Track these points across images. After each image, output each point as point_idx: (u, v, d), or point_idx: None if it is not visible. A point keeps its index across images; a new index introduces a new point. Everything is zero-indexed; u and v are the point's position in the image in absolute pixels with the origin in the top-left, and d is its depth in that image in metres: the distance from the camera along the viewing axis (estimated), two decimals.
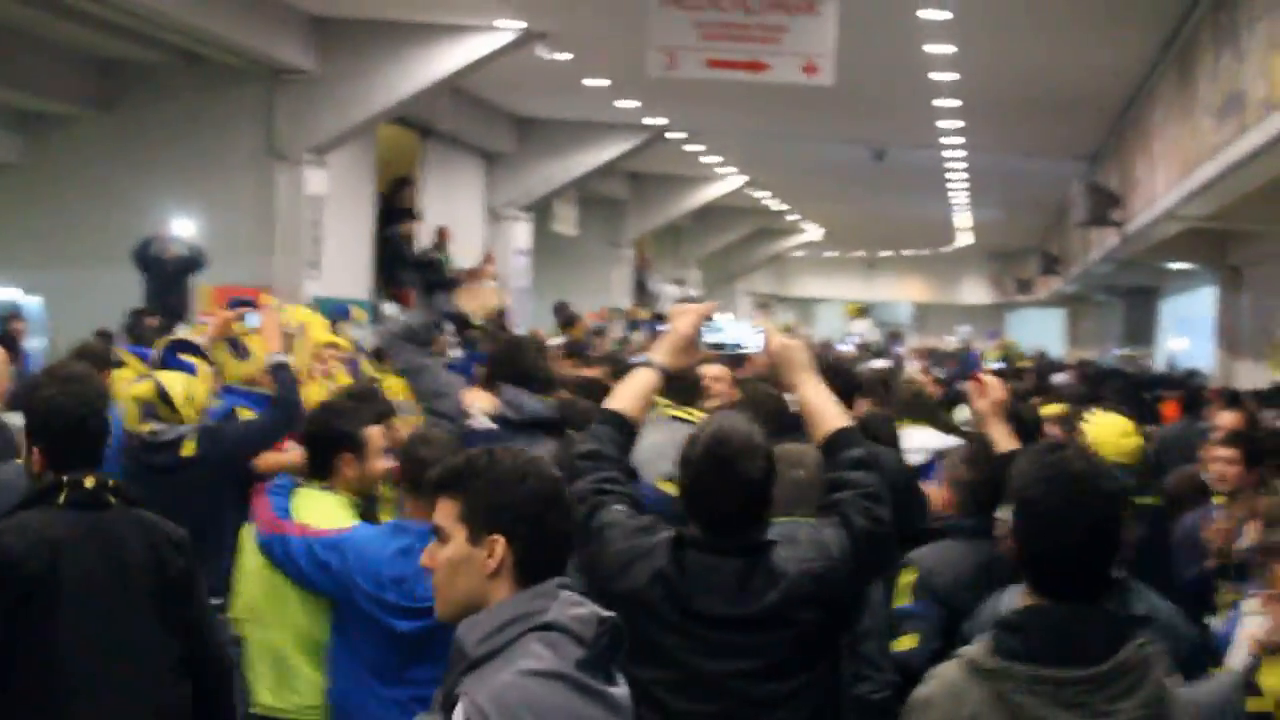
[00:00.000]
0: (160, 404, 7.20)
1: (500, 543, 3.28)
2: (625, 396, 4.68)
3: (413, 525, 5.54)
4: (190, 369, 7.45)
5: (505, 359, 7.39)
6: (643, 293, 32.28)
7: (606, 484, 4.45)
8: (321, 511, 5.79)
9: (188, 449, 7.04)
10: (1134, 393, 15.39)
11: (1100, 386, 15.43)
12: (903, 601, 5.96)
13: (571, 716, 3.12)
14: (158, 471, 7.01)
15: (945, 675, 3.48)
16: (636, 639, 4.10)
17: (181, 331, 9.59)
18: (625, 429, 4.61)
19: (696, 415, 6.76)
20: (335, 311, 9.65)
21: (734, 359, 4.94)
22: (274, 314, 7.71)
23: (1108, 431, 7.89)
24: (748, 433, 4.33)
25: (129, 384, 7.55)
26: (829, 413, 4.54)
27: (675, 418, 6.72)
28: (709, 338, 4.67)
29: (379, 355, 9.67)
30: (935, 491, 6.76)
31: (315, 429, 6.07)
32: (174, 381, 7.29)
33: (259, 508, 5.82)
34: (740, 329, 4.66)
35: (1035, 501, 3.54)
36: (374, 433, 6.03)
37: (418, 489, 5.59)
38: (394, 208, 21.03)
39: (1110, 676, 3.37)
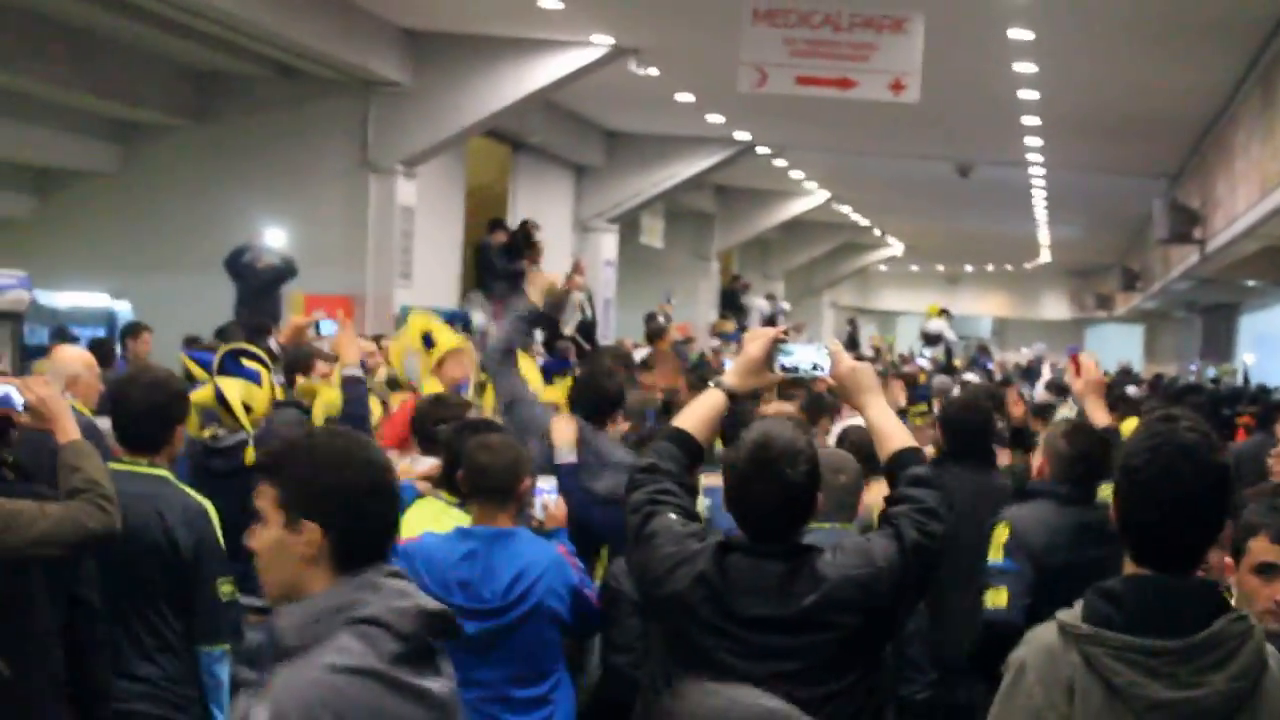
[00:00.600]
0: (220, 409, 7.16)
1: (315, 530, 3.11)
2: (692, 416, 4.63)
3: (478, 530, 5.60)
4: (254, 376, 7.33)
5: (585, 390, 7.39)
6: (735, 308, 32.07)
7: (661, 494, 4.42)
8: (436, 525, 5.84)
9: (249, 457, 6.91)
10: (1213, 408, 15.16)
11: (1178, 401, 15.13)
12: (995, 558, 6.10)
13: (377, 714, 2.95)
14: (219, 476, 6.91)
15: (1042, 638, 3.41)
16: (680, 642, 4.24)
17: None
18: (689, 447, 4.55)
19: None
20: (450, 320, 9.64)
21: (803, 381, 4.85)
22: (350, 327, 7.70)
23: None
24: (792, 437, 4.31)
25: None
26: (894, 433, 4.51)
27: None
28: (780, 360, 4.62)
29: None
30: (1033, 460, 6.97)
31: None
32: (232, 388, 7.21)
33: None
34: (810, 352, 4.63)
35: (1138, 469, 3.45)
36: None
37: (480, 494, 5.64)
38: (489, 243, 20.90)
39: (1201, 649, 3.29)
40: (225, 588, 5.82)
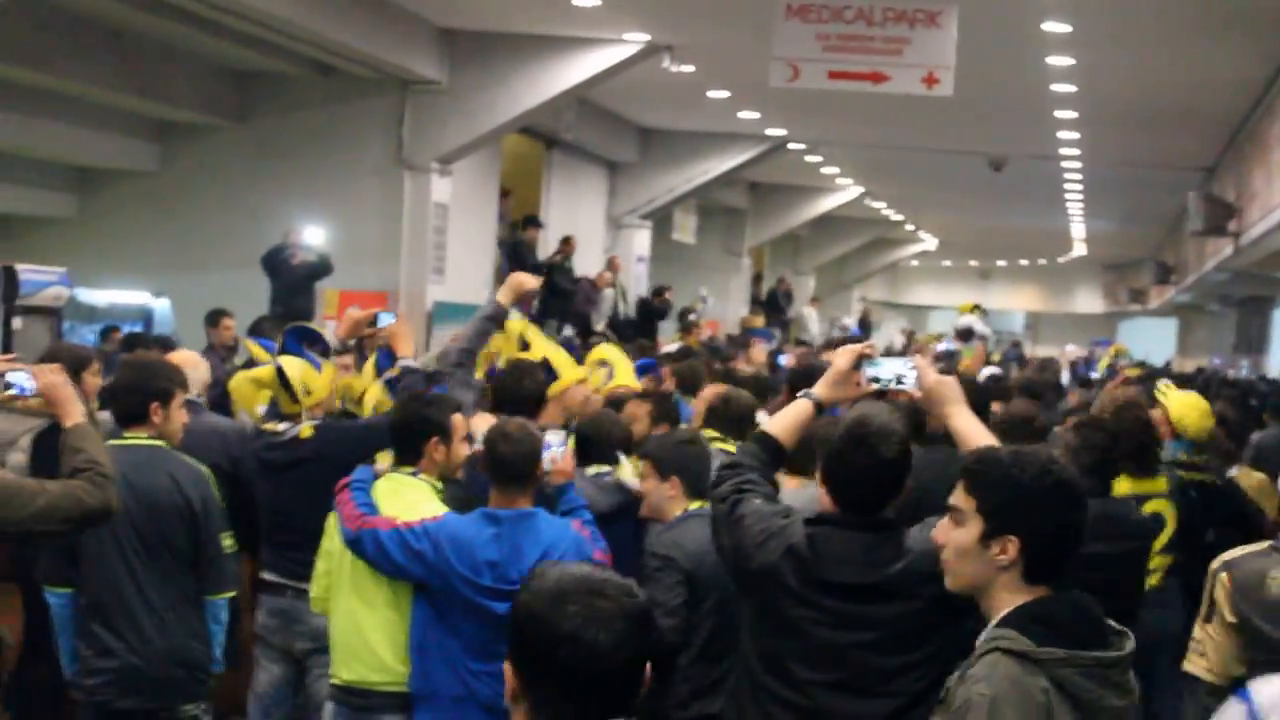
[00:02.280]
0: (281, 391, 7.19)
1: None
2: (779, 422, 4.96)
3: (502, 513, 5.81)
4: (315, 362, 7.38)
5: (502, 392, 7.26)
6: (775, 309, 32.07)
7: (745, 484, 4.73)
8: (407, 500, 5.97)
9: (305, 431, 7.07)
10: (1243, 400, 15.25)
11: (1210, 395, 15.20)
12: None
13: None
14: (278, 469, 7.09)
15: (1001, 672, 3.47)
16: (770, 614, 4.53)
17: None
18: (772, 449, 4.89)
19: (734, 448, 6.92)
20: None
21: (890, 394, 5.07)
22: (405, 320, 7.74)
23: (1188, 407, 8.08)
24: (887, 419, 4.59)
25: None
26: (980, 435, 4.74)
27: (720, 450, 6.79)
28: (868, 372, 4.90)
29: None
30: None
31: (409, 417, 6.22)
32: (293, 366, 7.25)
33: (342, 505, 5.97)
34: (896, 365, 4.90)
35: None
36: (458, 419, 6.25)
37: (501, 480, 5.85)
38: (518, 240, 21.00)
39: (1130, 655, 3.55)
40: (227, 541, 6.42)
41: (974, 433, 4.75)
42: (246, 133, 18.63)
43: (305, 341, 7.69)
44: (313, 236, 17.06)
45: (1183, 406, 8.12)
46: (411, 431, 6.16)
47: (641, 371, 9.99)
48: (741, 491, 4.71)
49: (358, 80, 17.85)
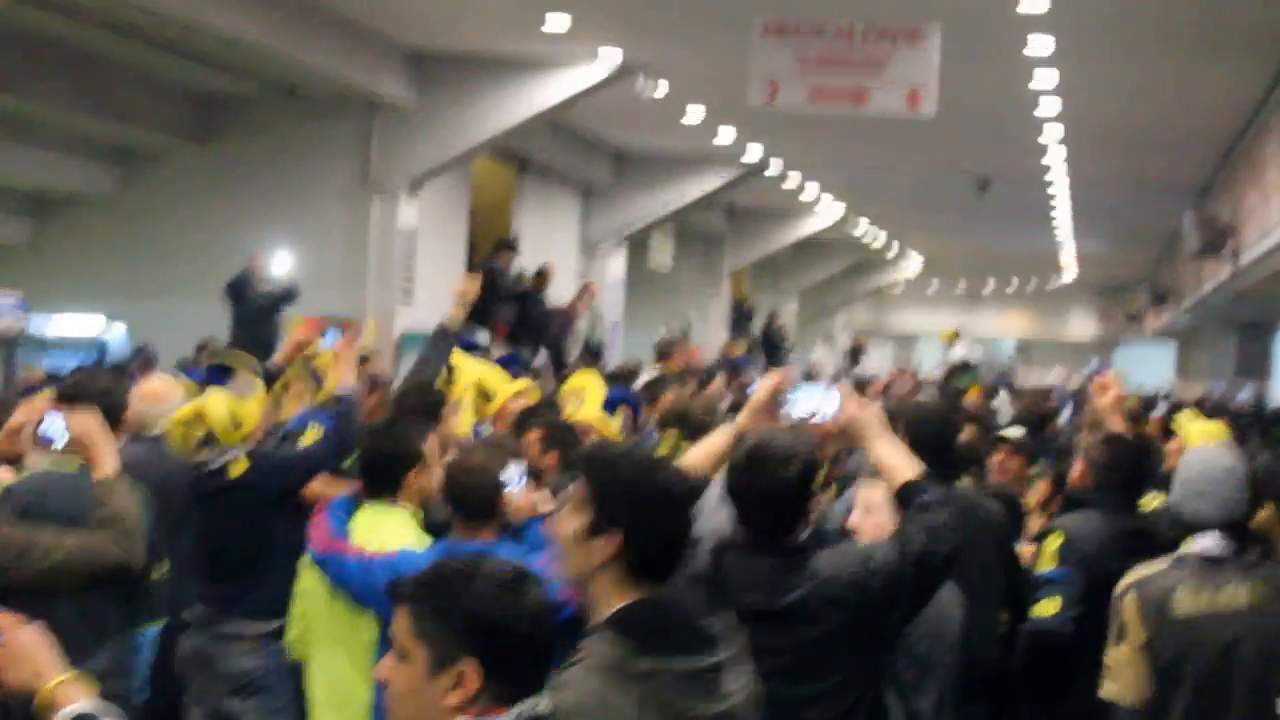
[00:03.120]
0: (209, 427, 7.16)
1: None
2: (698, 453, 5.12)
3: (462, 547, 5.75)
4: (244, 391, 7.40)
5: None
6: (771, 349, 32.00)
7: None
8: (388, 533, 5.99)
9: (237, 468, 7.09)
10: (1258, 424, 15.39)
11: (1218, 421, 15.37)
12: (1046, 566, 6.43)
13: None
14: (211, 498, 7.12)
15: (588, 686, 3.50)
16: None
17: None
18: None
19: None
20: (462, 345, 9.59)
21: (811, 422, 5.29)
22: (349, 345, 7.75)
23: (1207, 439, 8.07)
24: (789, 442, 4.71)
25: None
26: (901, 466, 4.86)
27: None
28: (788, 404, 5.10)
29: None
30: (1075, 467, 7.28)
31: (386, 448, 6.21)
32: (218, 401, 7.23)
33: (315, 526, 6.03)
34: (817, 396, 5.07)
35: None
36: (432, 441, 6.29)
37: (463, 513, 5.87)
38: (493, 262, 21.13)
39: (730, 660, 3.66)
40: (158, 571, 6.28)
41: (895, 461, 4.87)
42: (209, 156, 18.86)
43: (231, 371, 7.73)
44: (280, 264, 17.20)
45: (1202, 439, 8.15)
46: (389, 464, 6.16)
47: (612, 405, 9.72)
48: None
49: (324, 102, 18.09)
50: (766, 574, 4.61)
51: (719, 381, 15.64)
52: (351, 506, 6.13)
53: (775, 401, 5.12)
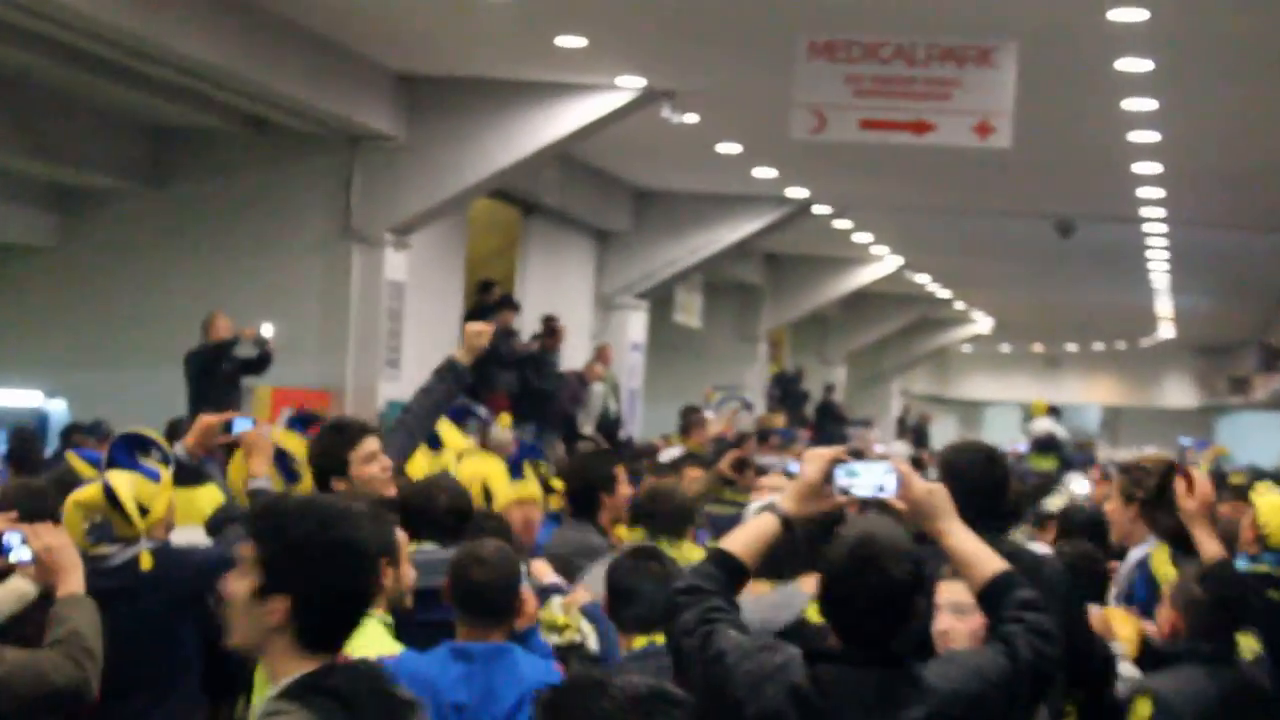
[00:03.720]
0: (113, 512, 7.03)
1: None
2: (740, 539, 5.08)
3: (473, 648, 5.89)
4: (151, 474, 7.27)
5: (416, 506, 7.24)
6: (832, 420, 31.85)
7: (712, 612, 4.85)
8: (360, 640, 5.91)
9: (144, 562, 6.99)
10: None
11: None
12: None
13: None
14: (111, 599, 6.79)
15: None
16: None
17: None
18: (731, 569, 5.00)
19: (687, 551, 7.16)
20: (455, 415, 9.55)
21: (870, 505, 5.26)
22: (264, 434, 7.75)
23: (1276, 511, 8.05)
24: (893, 535, 4.74)
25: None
26: (983, 557, 4.92)
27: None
28: (840, 483, 5.03)
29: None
30: (1161, 615, 6.96)
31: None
32: (123, 482, 7.12)
33: None
34: (876, 472, 5.03)
35: None
36: (401, 535, 6.30)
37: (472, 612, 5.93)
38: (484, 304, 21.12)
39: None
40: None
41: (975, 552, 4.93)
42: (164, 200, 18.85)
43: (138, 450, 7.55)
44: (266, 332, 16.81)
45: (1272, 511, 8.16)
46: None
47: (516, 467, 9.24)
48: (710, 621, 4.81)
49: (297, 136, 18.08)
50: (874, 690, 4.62)
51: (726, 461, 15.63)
52: None
53: (825, 481, 5.05)
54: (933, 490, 4.99)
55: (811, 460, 5.06)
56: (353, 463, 7.14)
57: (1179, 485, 6.92)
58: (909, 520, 5.05)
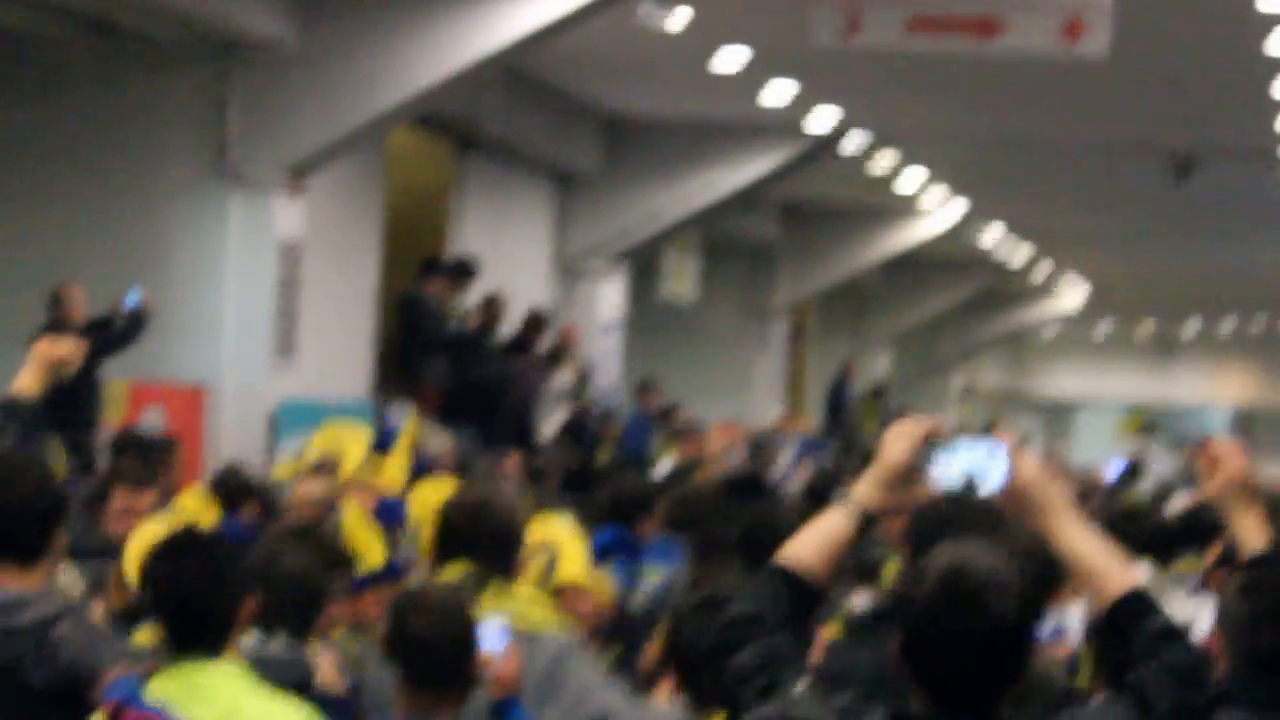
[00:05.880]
0: None
1: None
2: (805, 544, 5.09)
3: None
4: None
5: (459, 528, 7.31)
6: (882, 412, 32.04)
7: (774, 659, 4.92)
8: (223, 704, 5.94)
9: None
10: None
11: None
12: None
13: None
14: None
15: None
16: None
17: None
18: (797, 586, 5.02)
19: None
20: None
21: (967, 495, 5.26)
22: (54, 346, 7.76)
23: None
24: (990, 561, 4.74)
25: None
26: (1111, 570, 4.94)
27: None
28: (934, 467, 5.08)
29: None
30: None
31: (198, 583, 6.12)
32: None
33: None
34: (977, 454, 5.06)
35: None
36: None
37: (414, 677, 6.00)
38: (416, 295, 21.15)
39: None
40: None
41: (1100, 560, 4.93)
42: None
43: None
44: (132, 296, 16.58)
45: None
46: (208, 603, 6.08)
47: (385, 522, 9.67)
48: (767, 669, 4.89)
49: (156, 47, 18.04)
50: None
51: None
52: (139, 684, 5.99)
53: (917, 464, 5.08)
54: (1045, 476, 5.02)
55: (897, 439, 5.09)
56: None
57: (1202, 465, 6.52)
58: (1010, 512, 5.12)
